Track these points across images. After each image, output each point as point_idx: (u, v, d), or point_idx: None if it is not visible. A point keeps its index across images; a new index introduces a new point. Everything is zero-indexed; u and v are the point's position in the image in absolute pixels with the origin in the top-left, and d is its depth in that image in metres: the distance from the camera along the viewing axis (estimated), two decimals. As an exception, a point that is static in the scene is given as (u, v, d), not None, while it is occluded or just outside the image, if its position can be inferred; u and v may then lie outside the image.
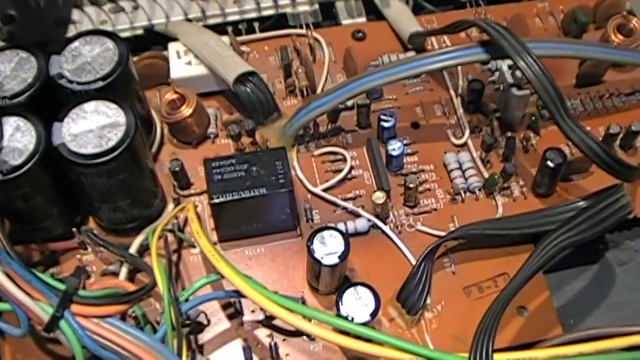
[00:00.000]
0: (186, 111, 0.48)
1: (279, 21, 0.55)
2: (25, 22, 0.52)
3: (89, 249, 0.46)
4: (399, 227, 0.47)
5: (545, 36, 0.55)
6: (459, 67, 0.52)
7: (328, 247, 0.42)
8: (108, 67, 0.44)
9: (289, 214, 0.46)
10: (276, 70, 0.53)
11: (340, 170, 0.48)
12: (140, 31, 0.54)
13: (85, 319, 0.39)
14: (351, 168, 0.49)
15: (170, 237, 0.46)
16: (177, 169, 0.46)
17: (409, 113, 0.51)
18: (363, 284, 0.41)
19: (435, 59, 0.46)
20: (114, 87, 0.44)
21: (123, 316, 0.42)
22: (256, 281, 0.41)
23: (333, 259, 0.41)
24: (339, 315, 0.40)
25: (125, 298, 0.40)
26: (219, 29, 0.53)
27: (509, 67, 0.49)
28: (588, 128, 0.50)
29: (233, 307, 0.44)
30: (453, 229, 0.46)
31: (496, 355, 0.39)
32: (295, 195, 0.47)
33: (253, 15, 0.55)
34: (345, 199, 0.48)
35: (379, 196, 0.45)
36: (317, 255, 0.42)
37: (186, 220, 0.47)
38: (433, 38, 0.55)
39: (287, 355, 0.43)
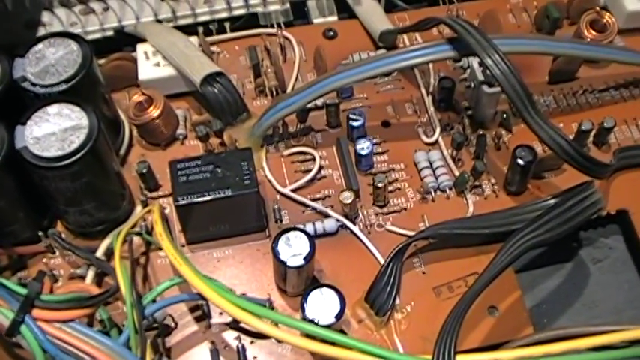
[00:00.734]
0: (153, 112, 0.48)
1: (251, 20, 0.55)
2: (-7, 24, 0.52)
3: (57, 252, 0.46)
4: (369, 227, 0.46)
5: (517, 32, 0.54)
6: (431, 65, 0.52)
7: (293, 249, 0.41)
8: (71, 70, 0.44)
9: (257, 215, 0.45)
10: (247, 70, 0.52)
11: (309, 170, 0.48)
12: (110, 33, 0.53)
13: (47, 323, 0.39)
14: (320, 168, 0.48)
15: (138, 239, 0.46)
16: (144, 171, 0.46)
17: (380, 112, 0.51)
18: (329, 285, 0.41)
19: (402, 57, 0.45)
20: (78, 89, 0.43)
21: (90, 320, 0.42)
22: (220, 284, 0.41)
23: (299, 261, 0.41)
24: (304, 317, 0.40)
25: (88, 301, 0.40)
26: (189, 30, 0.53)
27: (480, 64, 0.48)
28: (561, 125, 0.50)
29: (201, 310, 0.44)
30: (423, 228, 0.46)
31: (459, 357, 0.38)
32: (264, 196, 0.47)
33: (224, 15, 0.54)
34: (315, 200, 0.47)
35: (347, 196, 0.45)
36: (282, 257, 0.41)
37: (154, 223, 0.46)
38: (405, 36, 0.54)
39: (255, 357, 0.43)
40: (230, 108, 0.48)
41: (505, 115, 0.49)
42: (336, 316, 0.40)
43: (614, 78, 0.52)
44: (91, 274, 0.44)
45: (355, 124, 0.48)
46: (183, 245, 0.46)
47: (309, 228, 0.45)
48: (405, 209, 0.47)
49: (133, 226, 0.44)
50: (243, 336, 0.43)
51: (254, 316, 0.38)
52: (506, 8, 0.56)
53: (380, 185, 0.45)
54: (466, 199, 0.47)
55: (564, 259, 0.48)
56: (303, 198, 0.47)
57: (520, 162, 0.45)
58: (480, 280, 0.40)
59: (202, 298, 0.40)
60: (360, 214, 0.47)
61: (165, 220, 0.46)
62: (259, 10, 0.55)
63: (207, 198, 0.43)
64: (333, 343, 0.38)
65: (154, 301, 0.41)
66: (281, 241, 0.42)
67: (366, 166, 0.48)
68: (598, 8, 0.52)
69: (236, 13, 0.54)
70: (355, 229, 0.46)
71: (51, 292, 0.43)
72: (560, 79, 0.52)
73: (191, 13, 0.54)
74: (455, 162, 0.48)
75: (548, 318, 0.46)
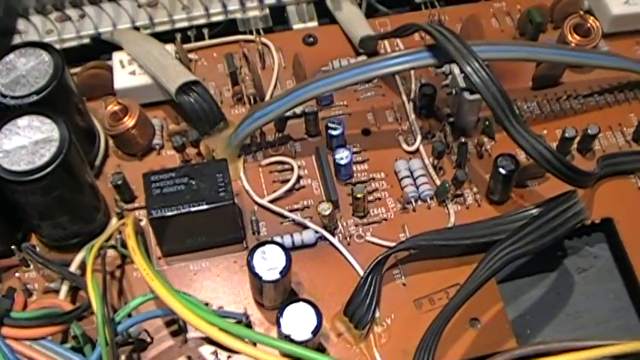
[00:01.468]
0: (128, 122, 0.47)
1: (229, 27, 0.54)
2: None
3: (31, 266, 0.45)
4: (348, 238, 0.45)
5: (499, 38, 0.53)
6: (412, 71, 0.51)
7: (269, 262, 0.41)
8: (42, 81, 0.43)
9: (234, 227, 0.44)
10: (225, 78, 0.51)
11: (288, 180, 0.47)
12: (87, 40, 0.53)
13: (17, 341, 0.38)
14: (299, 178, 0.47)
15: (114, 252, 0.45)
16: (119, 182, 0.45)
17: (360, 119, 0.50)
18: (305, 300, 0.40)
19: (381, 65, 0.45)
20: (50, 100, 0.43)
21: (65, 336, 0.41)
22: (194, 300, 0.40)
23: (275, 275, 0.40)
24: (280, 332, 0.39)
25: (59, 318, 0.39)
26: (168, 37, 0.52)
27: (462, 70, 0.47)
28: (545, 132, 0.49)
29: (177, 324, 0.43)
30: (403, 239, 0.45)
31: (437, 372, 0.37)
32: (241, 207, 0.46)
33: (202, 21, 0.53)
34: (293, 210, 0.46)
35: (325, 208, 0.44)
36: (257, 270, 0.40)
37: (131, 235, 0.45)
38: (386, 42, 0.53)
39: (232, 372, 0.42)
40: (207, 117, 0.47)
41: (487, 123, 0.48)
42: (312, 332, 0.39)
43: (598, 83, 0.51)
44: (64, 289, 0.43)
45: (334, 132, 0.47)
46: (159, 258, 0.45)
47: (287, 240, 0.45)
48: (386, 219, 0.46)
49: (108, 239, 0.44)
50: (219, 350, 0.42)
51: (227, 334, 0.38)
52: (490, 12, 0.55)
53: (359, 196, 0.45)
54: (448, 209, 0.46)
55: (548, 268, 0.48)
56: (281, 209, 0.46)
57: (502, 171, 0.44)
58: (459, 295, 0.39)
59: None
60: (340, 225, 0.46)
61: (141, 232, 0.45)
62: (238, 16, 0.54)
63: (182, 211, 0.42)
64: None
65: (129, 315, 0.40)
66: (257, 255, 0.41)
67: (346, 176, 0.47)
68: (582, 12, 0.51)
69: (214, 19, 0.53)
70: (334, 240, 0.45)
71: (25, 306, 0.42)
72: (544, 85, 0.51)
73: (169, 19, 0.53)
74: (436, 170, 0.48)
75: (531, 329, 0.45)
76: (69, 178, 0.41)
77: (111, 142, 0.49)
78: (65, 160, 0.40)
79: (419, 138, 0.49)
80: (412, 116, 0.50)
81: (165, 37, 0.52)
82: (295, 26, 0.55)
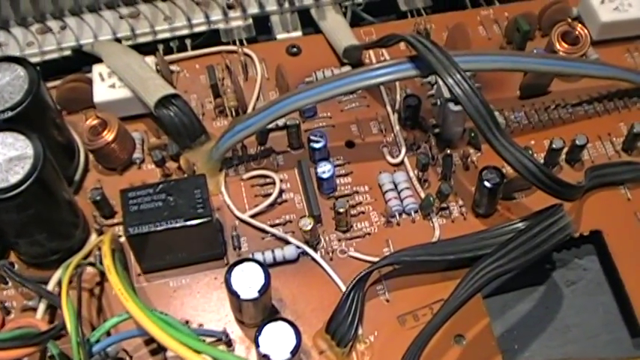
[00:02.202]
0: (108, 136, 0.46)
1: (212, 37, 0.53)
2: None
3: (9, 283, 0.44)
4: (331, 253, 0.45)
5: (484, 47, 0.52)
6: (397, 82, 0.50)
7: (248, 281, 0.40)
8: (17, 96, 0.42)
9: (213, 243, 0.44)
10: (208, 90, 0.51)
11: (270, 194, 0.46)
12: (68, 52, 0.52)
13: (-10, 363, 0.38)
14: (281, 192, 0.46)
15: (93, 270, 0.44)
16: (97, 198, 0.45)
17: (344, 131, 0.49)
18: (284, 319, 0.39)
19: (364, 76, 0.44)
20: (25, 116, 0.42)
21: (43, 355, 0.41)
22: (170, 320, 0.39)
23: (253, 293, 0.40)
24: (258, 352, 0.39)
25: (35, 339, 0.39)
26: (150, 48, 0.51)
27: (445, 81, 0.47)
28: (532, 142, 0.48)
29: (156, 343, 0.42)
30: (387, 254, 0.44)
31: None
32: (223, 222, 0.46)
33: (185, 32, 0.53)
34: (275, 225, 0.45)
35: (306, 224, 0.43)
36: (236, 289, 0.40)
37: (109, 252, 0.45)
38: (371, 52, 0.52)
39: (211, 391, 0.41)
40: (187, 131, 0.46)
41: (473, 134, 0.48)
42: (291, 352, 0.38)
43: (587, 92, 0.50)
44: (42, 307, 0.42)
45: (316, 145, 0.46)
46: (139, 274, 0.44)
47: (268, 256, 0.44)
48: (369, 234, 0.45)
49: (87, 256, 0.43)
50: (199, 370, 0.42)
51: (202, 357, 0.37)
52: (477, 20, 0.54)
53: (341, 210, 0.44)
54: (432, 222, 0.46)
55: (537, 281, 0.47)
56: (262, 224, 0.45)
57: (487, 185, 0.43)
58: (441, 312, 0.38)
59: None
60: (322, 240, 0.45)
61: (120, 249, 0.44)
62: (221, 26, 0.53)
63: (159, 227, 0.41)
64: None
65: (108, 334, 0.40)
66: (235, 273, 0.40)
67: (329, 189, 0.46)
68: (570, 20, 0.50)
69: (197, 29, 0.53)
70: (316, 255, 0.44)
71: (3, 324, 0.42)
72: (532, 94, 0.50)
73: (150, 30, 0.52)
74: (421, 183, 0.47)
75: (519, 344, 0.45)
76: (44, 196, 0.41)
77: (91, 156, 0.48)
78: (40, 178, 0.39)
79: (403, 150, 0.48)
80: (397, 127, 0.49)
81: (147, 49, 0.51)
82: (279, 36, 0.54)
